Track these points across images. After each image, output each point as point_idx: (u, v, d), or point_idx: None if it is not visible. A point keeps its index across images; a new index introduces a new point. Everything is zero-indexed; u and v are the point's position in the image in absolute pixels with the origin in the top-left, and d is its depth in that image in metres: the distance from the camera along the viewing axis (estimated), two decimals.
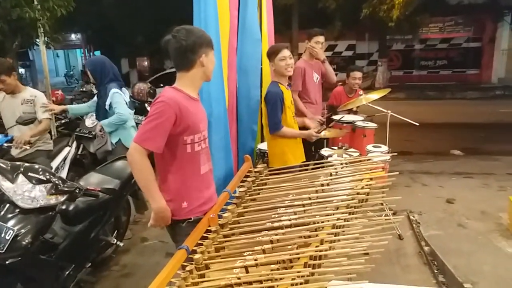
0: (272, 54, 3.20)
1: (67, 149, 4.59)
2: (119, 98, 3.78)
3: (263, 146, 3.73)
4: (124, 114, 3.76)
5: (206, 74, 2.06)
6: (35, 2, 5.81)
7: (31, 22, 5.81)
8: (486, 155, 6.81)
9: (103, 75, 3.84)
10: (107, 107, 3.83)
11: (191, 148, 2.01)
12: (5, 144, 3.65)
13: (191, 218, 2.05)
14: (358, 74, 4.96)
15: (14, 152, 3.82)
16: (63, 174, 4.36)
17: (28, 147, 3.72)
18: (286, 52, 3.15)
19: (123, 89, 4.02)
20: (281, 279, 1.43)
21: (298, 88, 4.07)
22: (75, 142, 4.73)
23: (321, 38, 4.17)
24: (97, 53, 21.99)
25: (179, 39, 1.93)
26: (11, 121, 3.87)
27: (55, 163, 4.31)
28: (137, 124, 5.16)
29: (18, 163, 2.66)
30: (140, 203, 4.28)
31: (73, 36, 22.69)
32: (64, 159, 4.51)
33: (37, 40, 6.66)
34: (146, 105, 6.03)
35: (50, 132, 4.48)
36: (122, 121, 3.80)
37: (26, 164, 2.64)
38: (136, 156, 1.88)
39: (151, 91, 6.67)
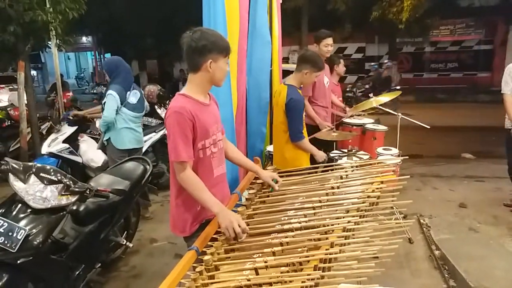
0: (314, 64, 3.14)
1: (152, 134, 5.41)
2: (110, 100, 3.96)
3: (272, 148, 3.72)
4: (107, 116, 3.96)
5: (213, 80, 2.01)
6: (48, 5, 5.88)
7: (43, 25, 5.85)
8: (498, 158, 6.71)
9: (111, 75, 4.10)
10: (103, 105, 4.08)
11: (203, 153, 2.02)
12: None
13: (203, 220, 2.07)
14: (331, 41, 4.21)
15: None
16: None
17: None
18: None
19: (133, 91, 4.13)
20: (291, 281, 1.42)
21: (309, 94, 4.05)
22: (162, 130, 5.42)
23: (330, 40, 4.15)
24: (108, 55, 22.18)
25: (192, 39, 1.92)
26: None
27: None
28: (145, 125, 5.28)
29: (30, 163, 2.69)
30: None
31: (84, 38, 22.92)
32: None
33: (49, 42, 6.74)
34: (156, 107, 6.06)
35: None
36: (106, 122, 4.00)
37: (38, 165, 2.67)
38: (182, 175, 1.92)
39: (161, 93, 6.71)
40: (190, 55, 1.95)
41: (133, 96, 4.15)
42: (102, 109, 4.10)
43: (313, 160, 3.28)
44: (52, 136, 4.91)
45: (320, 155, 3.24)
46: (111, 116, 3.95)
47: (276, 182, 2.37)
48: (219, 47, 1.95)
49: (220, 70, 1.98)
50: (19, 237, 2.33)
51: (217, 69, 1.97)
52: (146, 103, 4.54)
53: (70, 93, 8.53)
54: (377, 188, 2.05)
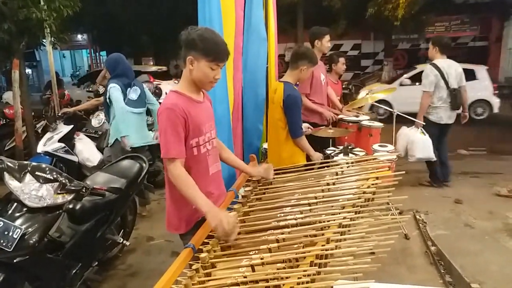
0: (311, 60, 3.17)
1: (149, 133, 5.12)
2: (113, 92, 3.99)
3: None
4: (118, 110, 3.98)
5: (193, 77, 1.95)
6: (42, 3, 5.84)
7: (37, 23, 5.81)
8: (493, 154, 6.76)
9: (112, 71, 4.15)
10: (107, 100, 4.10)
11: (197, 151, 2.02)
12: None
13: (199, 218, 2.06)
14: (343, 60, 5.14)
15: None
16: None
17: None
18: None
19: (134, 87, 4.15)
20: (287, 278, 1.43)
21: (307, 91, 4.06)
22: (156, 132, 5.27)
23: (329, 37, 4.20)
24: (103, 53, 22.08)
25: (188, 32, 1.90)
26: None
27: None
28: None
29: (25, 162, 2.68)
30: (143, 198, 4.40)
31: (79, 36, 22.79)
32: None
33: (44, 40, 6.70)
34: None
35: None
36: (123, 117, 4.01)
37: (34, 163, 2.66)
38: (172, 172, 1.89)
39: (156, 90, 6.70)
40: (182, 47, 1.94)
41: (133, 93, 4.16)
42: (107, 104, 4.13)
43: (309, 160, 3.29)
44: (48, 135, 4.93)
45: (317, 156, 3.24)
46: (122, 107, 3.98)
47: None
48: (206, 49, 1.87)
49: (199, 70, 1.91)
50: (15, 236, 2.33)
51: (197, 68, 1.91)
52: (150, 95, 4.52)
53: (65, 91, 8.50)
54: (372, 184, 2.05)
